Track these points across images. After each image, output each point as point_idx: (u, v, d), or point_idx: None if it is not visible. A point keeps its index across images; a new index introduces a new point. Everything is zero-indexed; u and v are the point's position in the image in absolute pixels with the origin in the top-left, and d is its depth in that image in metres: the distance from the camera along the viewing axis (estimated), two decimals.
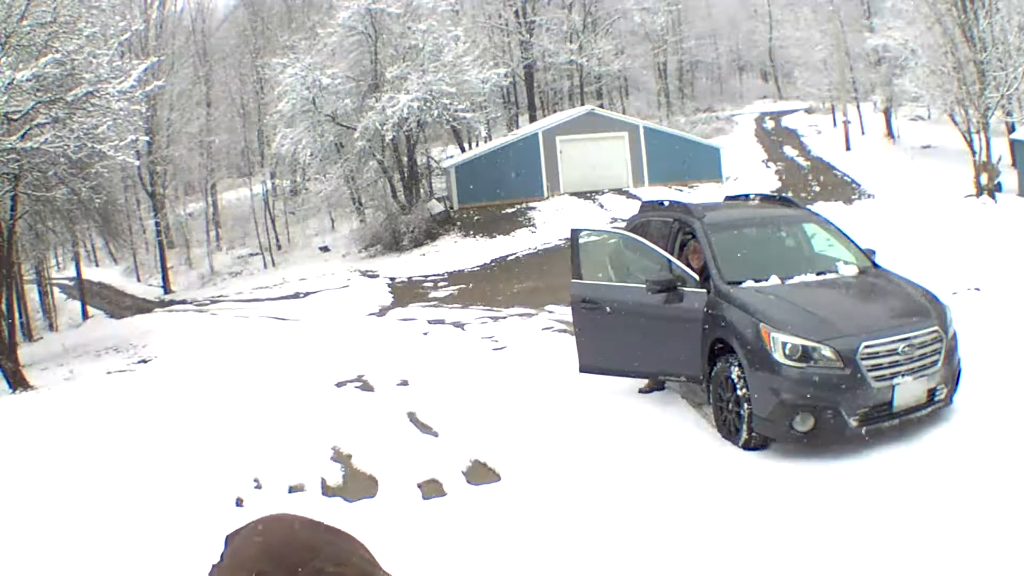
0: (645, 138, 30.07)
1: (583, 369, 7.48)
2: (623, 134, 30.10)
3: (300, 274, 28.48)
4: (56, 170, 15.53)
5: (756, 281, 6.32)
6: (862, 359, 5.52)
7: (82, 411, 9.89)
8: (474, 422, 7.35)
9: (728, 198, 8.79)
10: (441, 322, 14.16)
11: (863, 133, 37.92)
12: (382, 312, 17.21)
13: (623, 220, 17.12)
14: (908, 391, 5.60)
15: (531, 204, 28.19)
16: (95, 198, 17.18)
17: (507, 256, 24.01)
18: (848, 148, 34.56)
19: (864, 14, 40.43)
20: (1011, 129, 25.37)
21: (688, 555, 4.47)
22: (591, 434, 6.64)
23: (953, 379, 5.93)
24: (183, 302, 27.77)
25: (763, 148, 37.68)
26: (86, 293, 30.69)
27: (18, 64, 13.85)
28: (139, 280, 37.19)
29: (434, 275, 22.62)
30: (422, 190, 30.97)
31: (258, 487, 6.41)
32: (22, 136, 13.86)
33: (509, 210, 28.05)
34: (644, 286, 6.72)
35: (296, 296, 22.87)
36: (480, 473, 6.21)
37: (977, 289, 9.99)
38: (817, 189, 27.93)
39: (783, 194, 14.66)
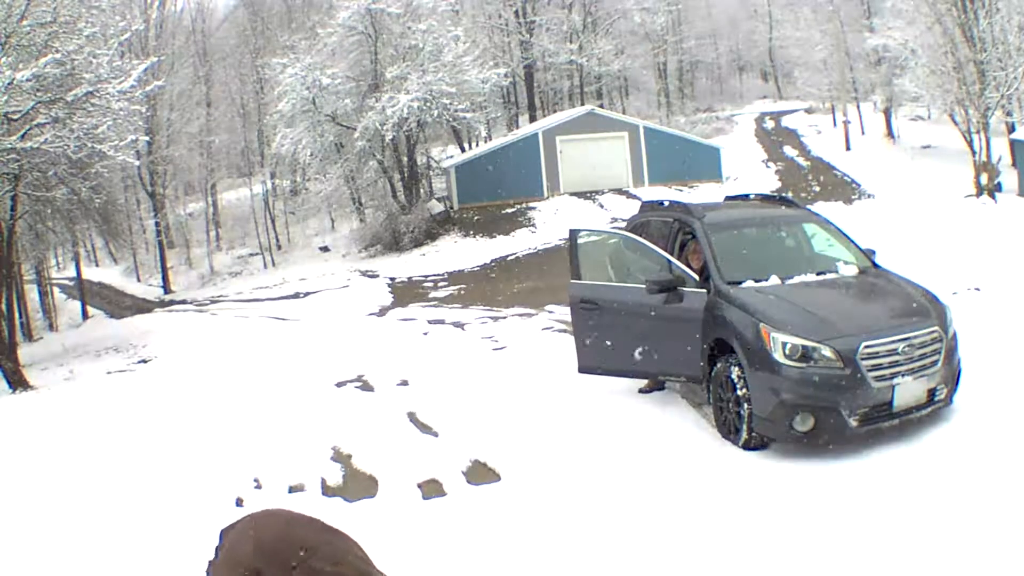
0: (645, 138, 30.08)
1: (582, 370, 7.48)
2: (623, 134, 30.11)
3: (300, 274, 28.48)
4: (56, 170, 15.53)
5: (756, 281, 6.32)
6: (862, 359, 5.52)
7: (82, 411, 9.89)
8: (474, 422, 7.35)
9: (728, 198, 8.79)
10: (441, 322, 14.16)
11: (863, 133, 37.92)
12: (382, 312, 17.21)
13: (623, 220, 17.12)
14: (908, 391, 5.60)
15: (531, 204, 28.20)
16: (95, 198, 17.18)
17: (507, 256, 24.01)
18: (848, 148, 34.56)
19: (864, 14, 40.44)
20: (1011, 129, 25.37)
21: (688, 555, 4.47)
22: (591, 434, 6.64)
23: (953, 379, 5.93)
24: (183, 302, 27.77)
25: (763, 148, 37.69)
26: (86, 293, 30.70)
27: (18, 64, 13.85)
28: (139, 280, 37.20)
29: (434, 275, 22.62)
30: (422, 190, 30.97)
31: (258, 487, 6.41)
32: (22, 136, 13.86)
33: (509, 210, 28.05)
34: (644, 286, 6.72)
35: (296, 296, 22.87)
36: (480, 473, 6.21)
37: (977, 289, 9.99)
38: (817, 189, 27.93)
39: (783, 194, 14.67)
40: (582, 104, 38.82)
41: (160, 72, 28.49)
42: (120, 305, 30.37)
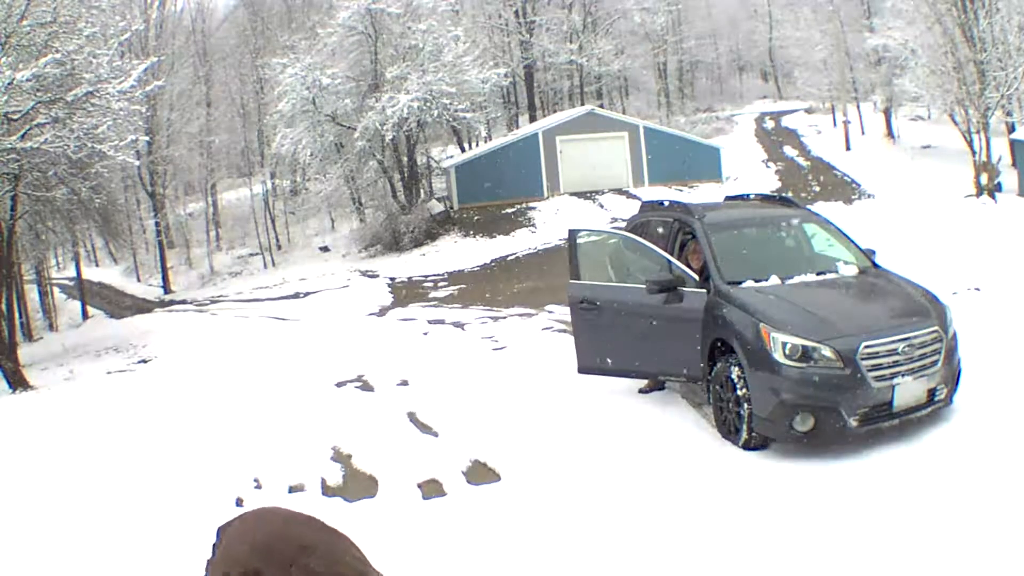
0: (645, 138, 30.08)
1: (582, 370, 7.48)
2: (623, 134, 30.11)
3: (300, 274, 28.48)
4: (56, 170, 15.53)
5: (756, 281, 6.32)
6: (862, 359, 5.52)
7: (82, 411, 9.89)
8: (474, 422, 7.35)
9: (728, 198, 8.78)
10: (441, 322, 14.16)
11: (863, 133, 37.92)
12: (382, 312, 17.21)
13: (623, 220, 17.12)
14: (908, 391, 5.60)
15: (531, 204, 28.20)
16: (95, 198, 17.17)
17: (507, 256, 24.01)
18: (848, 148, 34.56)
19: (864, 14, 40.44)
20: (1011, 129, 25.37)
21: (688, 555, 4.47)
22: (591, 434, 6.64)
23: (953, 379, 5.93)
24: (183, 302, 27.76)
25: (763, 148, 37.69)
26: (86, 293, 30.69)
27: (18, 64, 13.85)
28: (139, 280, 37.19)
29: (434, 275, 22.62)
30: (422, 190, 30.97)
31: (258, 487, 6.41)
32: (22, 136, 13.86)
33: (509, 210, 28.05)
34: (643, 286, 6.73)
35: (296, 296, 22.87)
36: (480, 473, 6.21)
37: (977, 289, 9.99)
38: (817, 189, 27.93)
39: (783, 194, 14.66)
40: (582, 104, 38.82)
41: (160, 72, 28.49)
42: (120, 305, 30.37)
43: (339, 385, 9.59)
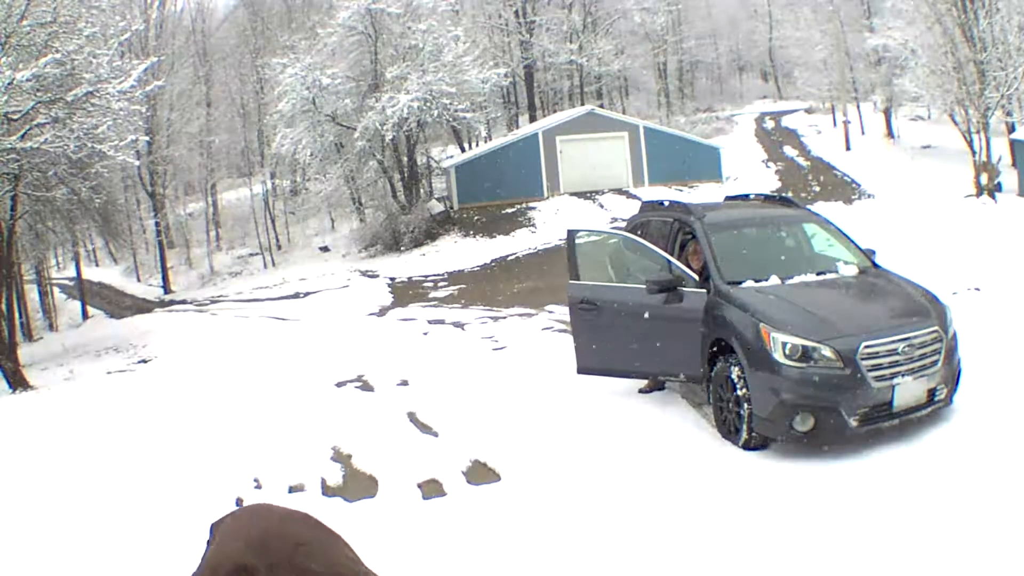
0: (645, 138, 30.08)
1: (581, 370, 7.48)
2: (623, 134, 30.11)
3: (300, 274, 28.49)
4: (56, 170, 15.53)
5: (756, 281, 6.32)
6: (862, 359, 5.52)
7: (82, 411, 9.89)
8: (474, 422, 7.35)
9: (728, 198, 8.79)
10: (441, 322, 14.16)
11: (863, 133, 37.93)
12: (382, 312, 17.21)
13: (623, 220, 17.13)
14: (908, 391, 5.60)
15: (531, 204, 28.20)
16: (95, 198, 17.18)
17: (507, 256, 24.01)
18: (848, 148, 34.57)
19: (864, 14, 40.46)
20: (1011, 129, 25.38)
21: (688, 555, 4.47)
22: (591, 434, 6.64)
23: (953, 379, 5.93)
24: (183, 302, 27.77)
25: (763, 148, 37.70)
26: (86, 293, 30.70)
27: (18, 64, 13.85)
28: (139, 280, 37.21)
29: (434, 275, 22.62)
30: (422, 190, 30.97)
31: (258, 487, 6.41)
32: (22, 136, 13.86)
33: (509, 210, 28.05)
34: (643, 286, 6.72)
35: (296, 296, 22.87)
36: (480, 473, 6.21)
37: (977, 289, 9.99)
38: (817, 189, 27.93)
39: (783, 194, 14.65)
40: (582, 104, 38.83)
41: (160, 72, 28.50)
42: (120, 305, 30.37)
43: (339, 385, 9.59)
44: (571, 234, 7.70)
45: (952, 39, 23.60)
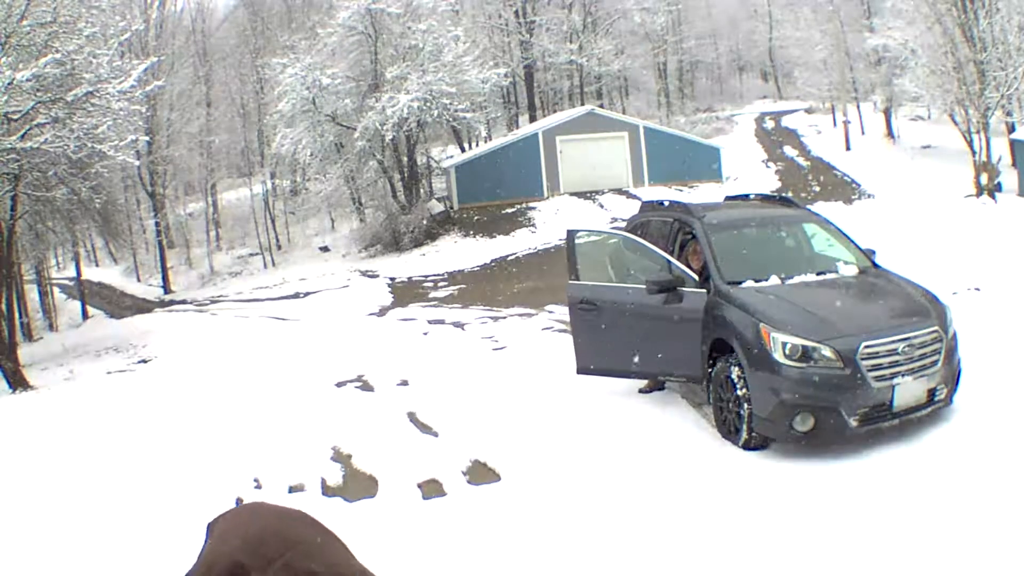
0: (645, 138, 30.08)
1: (581, 371, 7.47)
2: (623, 134, 30.11)
3: (300, 274, 28.48)
4: (56, 170, 15.53)
5: (756, 281, 6.32)
6: (862, 359, 5.52)
7: (82, 411, 9.89)
8: (474, 422, 7.35)
9: (728, 198, 8.79)
10: (441, 322, 14.16)
11: (863, 133, 37.92)
12: (382, 312, 17.21)
13: (623, 220, 17.12)
14: (908, 391, 5.60)
15: (531, 204, 28.20)
16: (95, 198, 17.17)
17: (507, 256, 24.01)
18: (848, 148, 34.56)
19: (864, 14, 40.44)
20: (1011, 129, 25.37)
21: (688, 555, 4.47)
22: (591, 434, 6.64)
23: (953, 379, 5.93)
24: (183, 302, 27.76)
25: (763, 148, 37.69)
26: (86, 293, 30.69)
27: (18, 64, 13.85)
28: (139, 280, 37.18)
29: (434, 275, 22.62)
30: (422, 190, 30.97)
31: (258, 487, 6.41)
32: (22, 136, 13.86)
33: (509, 210, 28.05)
34: (643, 286, 6.73)
35: (296, 296, 22.87)
36: (480, 473, 6.21)
37: (977, 289, 9.99)
38: (817, 189, 27.93)
39: (783, 194, 14.66)
40: (582, 104, 38.82)
41: (160, 72, 28.48)
42: (120, 305, 30.36)
43: (339, 385, 9.59)
44: (571, 234, 7.70)
45: (952, 39, 23.60)
